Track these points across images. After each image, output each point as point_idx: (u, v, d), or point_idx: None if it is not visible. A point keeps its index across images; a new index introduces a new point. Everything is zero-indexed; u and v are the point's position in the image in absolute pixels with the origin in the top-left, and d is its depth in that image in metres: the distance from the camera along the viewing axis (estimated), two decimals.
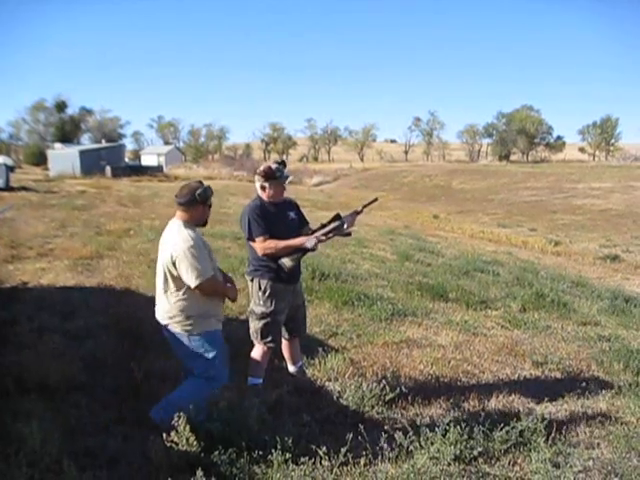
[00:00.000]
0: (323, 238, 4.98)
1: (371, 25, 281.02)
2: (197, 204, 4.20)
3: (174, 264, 4.08)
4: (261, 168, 5.08)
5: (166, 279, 4.15)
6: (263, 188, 5.01)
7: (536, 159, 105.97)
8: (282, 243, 4.89)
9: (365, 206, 5.26)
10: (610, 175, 48.87)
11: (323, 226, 5.02)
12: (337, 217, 5.06)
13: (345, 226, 5.02)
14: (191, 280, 4.10)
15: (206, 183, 4.40)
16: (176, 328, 4.16)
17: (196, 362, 4.25)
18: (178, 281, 4.13)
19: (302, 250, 4.97)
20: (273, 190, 5.01)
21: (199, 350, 4.25)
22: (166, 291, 4.16)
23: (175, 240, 4.09)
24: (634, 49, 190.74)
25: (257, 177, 5.06)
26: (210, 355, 4.30)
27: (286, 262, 4.94)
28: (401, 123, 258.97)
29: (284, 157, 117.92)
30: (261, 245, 4.87)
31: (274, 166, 5.05)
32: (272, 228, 4.90)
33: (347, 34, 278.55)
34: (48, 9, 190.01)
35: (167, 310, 4.16)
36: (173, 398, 4.22)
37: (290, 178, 5.16)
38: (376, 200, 5.54)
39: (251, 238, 4.91)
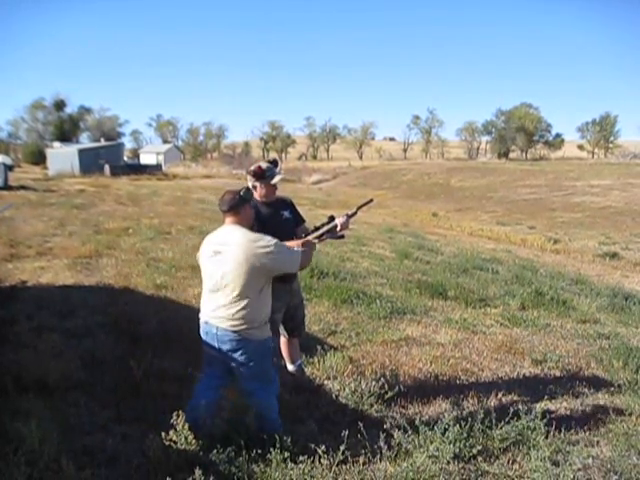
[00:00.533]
0: (315, 241, 4.95)
1: (370, 23, 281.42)
2: (244, 204, 4.21)
3: (264, 264, 4.04)
4: (251, 168, 5.05)
5: (240, 282, 4.04)
6: (254, 188, 4.98)
7: (535, 157, 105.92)
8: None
9: (359, 207, 5.21)
10: (609, 172, 48.87)
11: (316, 229, 4.98)
12: (331, 219, 5.02)
13: (338, 228, 4.97)
14: (292, 264, 4.25)
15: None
16: (244, 334, 4.08)
17: (262, 367, 4.19)
18: (254, 284, 4.07)
19: None
20: (264, 190, 4.98)
21: (261, 355, 4.21)
22: (237, 295, 4.07)
23: (249, 242, 4.04)
24: (633, 46, 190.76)
25: (248, 177, 5.04)
26: (269, 360, 4.31)
27: None
28: (400, 121, 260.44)
29: (283, 155, 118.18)
30: None
31: (264, 165, 5.02)
32: (265, 228, 4.86)
33: (346, 32, 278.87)
34: (46, 7, 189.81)
35: (233, 316, 4.07)
36: (272, 426, 4.14)
37: (280, 177, 5.12)
38: (371, 201, 5.46)
39: None
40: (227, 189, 4.36)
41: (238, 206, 4.17)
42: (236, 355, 4.14)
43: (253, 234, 4.10)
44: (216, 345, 4.16)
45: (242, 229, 4.13)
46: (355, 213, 5.11)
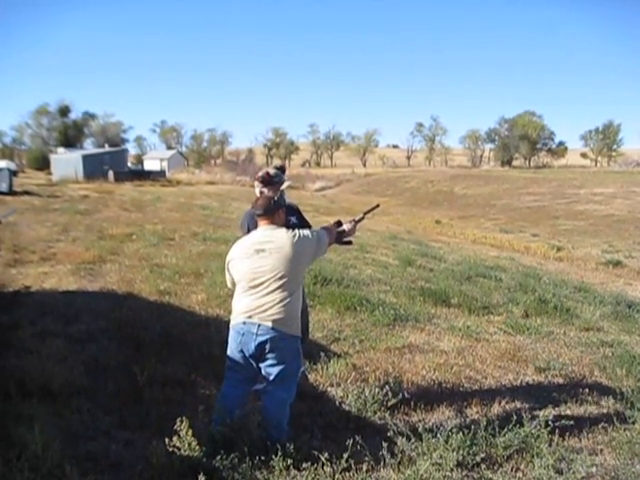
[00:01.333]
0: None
1: (373, 30, 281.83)
2: (278, 208, 4.32)
3: (310, 258, 4.31)
4: (259, 174, 5.08)
5: (285, 281, 4.12)
6: (262, 194, 5.00)
7: (538, 164, 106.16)
8: None
9: (366, 213, 5.20)
10: (612, 180, 48.90)
11: None
12: (338, 224, 5.02)
13: (344, 235, 4.96)
14: (325, 243, 4.41)
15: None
16: (285, 330, 4.14)
17: (290, 366, 4.21)
18: (296, 282, 4.21)
19: None
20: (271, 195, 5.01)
21: (296, 353, 4.30)
22: (280, 293, 4.12)
23: (294, 236, 4.18)
24: (637, 54, 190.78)
25: (256, 182, 5.06)
26: (298, 363, 4.38)
27: None
28: (403, 128, 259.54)
29: (286, 162, 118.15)
30: None
31: (272, 172, 5.05)
32: None
33: (350, 39, 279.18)
34: (50, 12, 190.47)
35: (279, 313, 4.10)
36: (277, 433, 4.13)
37: (288, 183, 5.15)
38: (377, 206, 5.46)
39: None
40: (263, 195, 4.56)
41: (273, 210, 4.28)
42: (272, 354, 4.17)
43: (292, 231, 4.23)
44: (252, 345, 4.15)
45: (279, 228, 4.27)
46: (362, 219, 5.07)
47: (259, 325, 4.10)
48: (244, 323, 4.17)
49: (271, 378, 4.19)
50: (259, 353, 4.16)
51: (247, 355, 4.20)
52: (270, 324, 4.08)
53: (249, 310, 4.16)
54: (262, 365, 4.20)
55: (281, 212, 4.35)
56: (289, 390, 4.25)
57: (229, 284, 4.49)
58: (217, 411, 4.26)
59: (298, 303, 4.23)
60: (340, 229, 4.83)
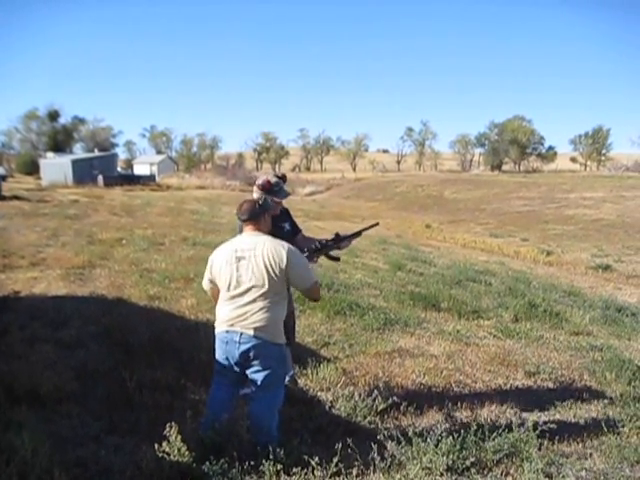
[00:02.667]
0: (315, 260, 5.03)
1: (363, 35, 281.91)
2: (264, 212, 4.29)
3: (287, 267, 4.09)
4: (260, 182, 5.09)
5: (267, 287, 4.09)
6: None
7: (528, 169, 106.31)
8: None
9: (365, 229, 5.37)
10: (602, 185, 49.08)
11: (321, 245, 5.07)
12: (336, 236, 5.12)
13: (341, 245, 5.08)
14: (308, 280, 4.23)
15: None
16: (268, 337, 4.12)
17: (274, 373, 4.19)
18: (278, 289, 4.14)
19: None
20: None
21: (280, 361, 4.27)
22: (262, 301, 4.10)
23: (279, 246, 4.12)
24: (626, 60, 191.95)
25: (255, 189, 5.07)
26: (283, 366, 4.39)
27: None
28: (393, 133, 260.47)
29: (276, 167, 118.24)
30: None
31: (273, 180, 5.07)
32: None
33: (339, 44, 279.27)
34: (39, 17, 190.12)
35: (263, 319, 4.09)
36: (265, 437, 4.11)
37: (289, 195, 5.21)
38: (377, 224, 5.64)
39: None
40: (243, 200, 4.40)
41: (258, 215, 4.25)
42: (256, 361, 4.17)
43: (278, 240, 4.21)
44: (236, 353, 4.16)
45: (263, 234, 4.24)
46: (359, 234, 5.25)
47: (241, 333, 4.11)
48: (227, 332, 4.18)
49: (257, 385, 4.20)
50: (243, 360, 4.16)
51: (232, 362, 4.21)
52: (252, 332, 4.09)
53: (231, 318, 4.17)
54: (248, 372, 4.21)
55: (267, 216, 4.33)
56: (276, 396, 4.25)
57: (205, 286, 4.49)
58: (206, 415, 4.28)
59: (282, 311, 4.22)
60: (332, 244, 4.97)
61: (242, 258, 4.16)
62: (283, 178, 5.18)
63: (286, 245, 4.15)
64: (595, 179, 58.40)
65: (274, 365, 4.17)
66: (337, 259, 5.23)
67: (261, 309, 4.09)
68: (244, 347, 4.12)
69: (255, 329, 4.08)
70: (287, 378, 5.51)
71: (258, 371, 4.17)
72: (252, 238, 4.20)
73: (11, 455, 3.64)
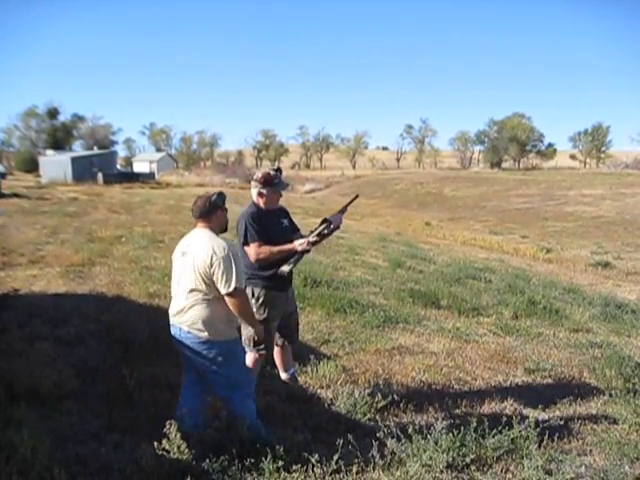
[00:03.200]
0: (314, 239, 5.00)
1: (362, 32, 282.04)
2: (216, 209, 4.24)
3: (211, 269, 4.02)
4: (259, 174, 5.10)
5: (196, 285, 4.08)
6: (260, 194, 5.03)
7: (527, 166, 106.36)
8: (275, 248, 4.89)
9: (347, 204, 5.40)
10: (601, 182, 49.10)
11: (312, 232, 5.06)
12: (324, 221, 5.11)
13: (332, 225, 5.07)
14: (228, 285, 4.04)
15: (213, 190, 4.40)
16: (206, 335, 4.10)
17: (224, 371, 4.18)
18: (210, 287, 4.08)
19: (297, 254, 4.98)
20: (270, 196, 5.04)
21: (228, 358, 4.19)
22: (194, 297, 4.10)
23: (210, 246, 4.06)
24: (626, 57, 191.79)
25: (254, 183, 5.07)
26: (238, 362, 4.32)
27: (285, 268, 4.96)
28: (393, 130, 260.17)
29: (276, 164, 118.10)
30: (256, 250, 4.85)
31: (272, 172, 5.08)
32: (268, 234, 4.90)
33: (338, 42, 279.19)
34: (38, 14, 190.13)
35: (199, 316, 4.09)
36: (246, 414, 4.16)
37: (288, 186, 5.21)
38: (357, 197, 5.72)
39: (246, 243, 4.89)
40: (200, 195, 4.38)
41: (209, 212, 4.22)
42: (200, 359, 4.19)
43: (218, 239, 4.14)
44: (181, 348, 4.23)
45: (209, 232, 4.18)
46: (345, 210, 5.36)
47: (180, 329, 4.16)
48: (172, 326, 4.24)
49: (213, 383, 4.25)
50: (191, 357, 4.21)
51: (183, 358, 4.28)
52: (187, 328, 4.12)
53: (173, 314, 4.24)
54: (200, 369, 4.24)
55: (219, 213, 4.26)
56: (237, 392, 4.22)
57: None
58: (177, 409, 4.32)
59: (220, 309, 4.12)
60: (324, 225, 5.07)
61: (185, 254, 4.20)
62: (279, 171, 5.19)
63: (218, 246, 4.06)
64: (594, 176, 58.41)
65: (220, 362, 4.15)
66: (337, 227, 5.23)
67: (195, 306, 4.11)
68: (183, 342, 4.18)
69: (189, 325, 4.12)
70: (287, 375, 5.53)
71: (208, 369, 4.20)
72: (196, 235, 4.23)
73: (11, 453, 3.64)
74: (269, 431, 4.23)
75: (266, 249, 4.86)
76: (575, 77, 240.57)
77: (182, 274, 4.20)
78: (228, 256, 4.03)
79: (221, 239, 4.17)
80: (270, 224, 4.99)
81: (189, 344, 4.16)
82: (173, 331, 4.24)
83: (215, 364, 4.16)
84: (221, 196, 4.32)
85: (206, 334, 4.10)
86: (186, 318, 4.13)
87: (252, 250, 4.87)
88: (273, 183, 5.03)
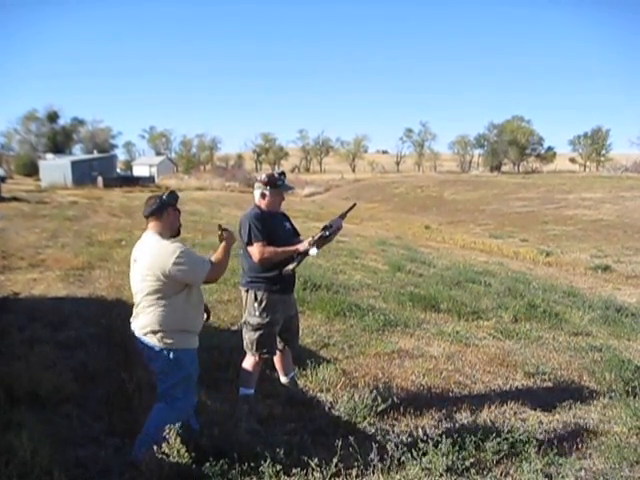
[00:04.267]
0: (315, 238, 4.99)
1: (362, 36, 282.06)
2: (167, 208, 4.15)
3: (168, 273, 3.94)
4: (263, 175, 5.10)
5: (147, 291, 4.03)
6: (263, 195, 5.03)
7: (527, 170, 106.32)
8: (280, 249, 4.90)
9: (347, 212, 5.38)
10: (601, 185, 49.07)
11: (313, 237, 5.06)
12: (325, 228, 5.12)
13: (333, 227, 5.09)
14: (200, 275, 4.05)
15: (174, 191, 4.33)
16: (154, 341, 4.05)
17: (167, 378, 4.12)
18: (164, 292, 4.02)
19: (300, 255, 4.98)
20: (273, 198, 5.04)
21: (172, 367, 4.10)
22: (148, 303, 4.05)
23: (160, 251, 3.98)
24: (625, 60, 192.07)
25: (258, 184, 5.07)
26: (182, 374, 4.15)
27: (289, 267, 4.96)
28: (393, 134, 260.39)
29: (276, 168, 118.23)
30: (260, 249, 4.84)
31: (277, 174, 5.10)
32: (271, 237, 4.90)
33: (339, 44, 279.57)
34: (39, 18, 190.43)
35: (147, 322, 4.05)
36: (144, 437, 4.04)
37: (293, 189, 5.22)
38: (354, 205, 5.64)
39: (250, 242, 4.88)
40: (151, 194, 4.31)
41: (159, 210, 4.13)
42: (152, 364, 4.20)
43: (165, 242, 4.05)
44: (144, 354, 4.22)
45: (155, 236, 4.09)
46: (345, 215, 5.34)
47: (135, 334, 4.16)
48: (132, 332, 4.24)
49: (158, 388, 4.21)
50: (147, 361, 4.23)
51: (147, 363, 4.28)
52: (140, 333, 4.11)
53: (131, 318, 4.23)
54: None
55: (170, 212, 4.18)
56: (172, 402, 4.14)
57: None
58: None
59: (171, 314, 4.05)
60: (324, 230, 5.01)
61: (135, 260, 4.17)
62: (283, 174, 5.20)
63: (170, 248, 3.99)
64: (594, 180, 58.40)
65: (166, 370, 4.12)
66: (338, 228, 5.24)
67: (145, 312, 4.08)
68: (139, 347, 4.18)
69: (140, 330, 4.10)
70: (287, 379, 5.53)
71: (156, 375, 4.21)
72: (145, 238, 4.15)
73: (11, 456, 3.65)
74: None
75: (271, 249, 4.86)
76: (575, 80, 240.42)
77: (134, 280, 4.17)
78: (182, 253, 3.98)
79: (169, 241, 4.08)
80: (273, 227, 4.99)
81: (142, 348, 4.16)
82: (134, 335, 4.22)
83: (162, 371, 4.13)
84: (173, 195, 4.26)
85: (155, 340, 4.05)
86: (138, 323, 4.13)
87: (256, 249, 4.86)
88: (277, 185, 5.04)
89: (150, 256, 3.99)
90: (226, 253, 4.28)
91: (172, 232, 4.22)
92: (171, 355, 4.07)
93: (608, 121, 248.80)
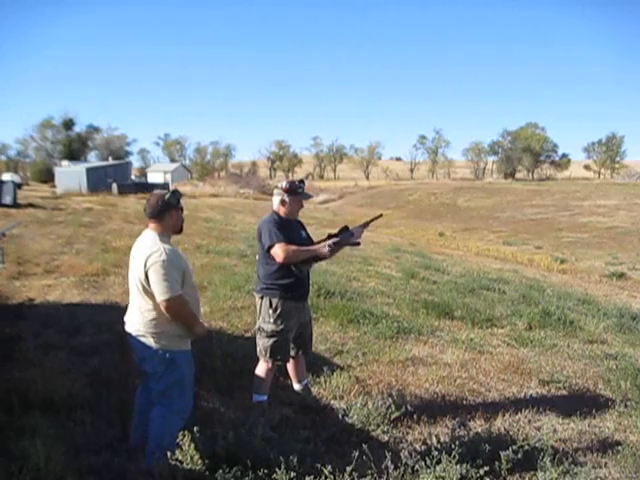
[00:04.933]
0: (332, 244, 4.99)
1: (376, 42, 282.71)
2: (169, 209, 4.09)
3: (146, 275, 3.94)
4: (284, 183, 5.12)
5: (140, 291, 4.03)
6: (283, 202, 5.05)
7: (541, 177, 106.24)
8: (303, 247, 4.91)
9: (371, 221, 5.42)
10: (615, 192, 48.91)
11: (330, 236, 5.07)
12: (345, 229, 5.14)
13: (354, 235, 5.10)
14: (158, 295, 3.93)
15: (171, 192, 4.26)
16: (150, 341, 4.04)
17: (161, 379, 4.12)
18: (149, 293, 4.00)
19: (315, 258, 5.03)
20: (292, 205, 5.07)
21: (167, 368, 4.09)
22: (141, 305, 4.05)
23: (150, 252, 3.96)
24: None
25: (278, 191, 5.09)
26: (176, 375, 4.14)
27: (304, 267, 4.99)
28: (406, 141, 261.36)
29: (290, 175, 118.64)
30: (284, 248, 4.81)
31: (297, 182, 5.12)
32: (289, 242, 4.91)
33: (353, 52, 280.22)
34: (54, 23, 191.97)
35: (140, 323, 4.05)
36: (153, 444, 4.06)
37: (312, 197, 5.24)
38: (381, 216, 5.71)
39: (273, 244, 4.86)
40: (153, 192, 4.24)
41: (162, 212, 4.08)
42: (145, 365, 4.18)
43: (160, 245, 4.00)
44: (133, 351, 4.22)
45: (154, 236, 4.07)
46: (367, 224, 5.34)
47: (129, 334, 4.16)
48: (125, 331, 4.23)
49: (152, 390, 4.20)
50: (139, 361, 4.21)
51: (138, 363, 4.27)
52: (134, 333, 4.10)
53: (126, 316, 4.24)
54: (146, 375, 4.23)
55: (172, 213, 4.11)
56: (170, 405, 4.13)
57: None
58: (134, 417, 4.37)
59: (164, 316, 4.00)
60: (345, 233, 5.10)
61: (133, 257, 4.18)
62: (303, 182, 5.23)
63: (155, 252, 3.94)
64: (609, 187, 58.23)
65: (160, 371, 4.09)
66: (357, 244, 5.25)
67: (139, 311, 4.07)
68: (133, 347, 4.18)
69: (135, 330, 4.09)
70: (300, 386, 5.52)
71: (150, 376, 4.18)
72: (144, 237, 4.15)
73: (25, 462, 3.66)
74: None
75: (294, 247, 4.84)
76: (589, 88, 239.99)
77: (131, 277, 4.17)
78: (162, 264, 3.90)
79: (165, 245, 4.02)
80: (290, 233, 5.00)
81: (135, 348, 4.15)
82: (128, 335, 4.21)
83: (156, 372, 4.12)
84: (175, 195, 4.16)
85: (151, 340, 4.04)
86: (133, 322, 4.12)
87: (280, 249, 4.83)
88: (297, 192, 5.06)
89: (144, 256, 3.99)
90: (187, 323, 4.17)
91: (175, 230, 4.21)
92: (167, 356, 4.08)
93: (622, 128, 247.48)
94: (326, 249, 4.93)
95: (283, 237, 4.87)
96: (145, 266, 3.93)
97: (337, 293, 9.70)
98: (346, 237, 5.10)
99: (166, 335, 4.06)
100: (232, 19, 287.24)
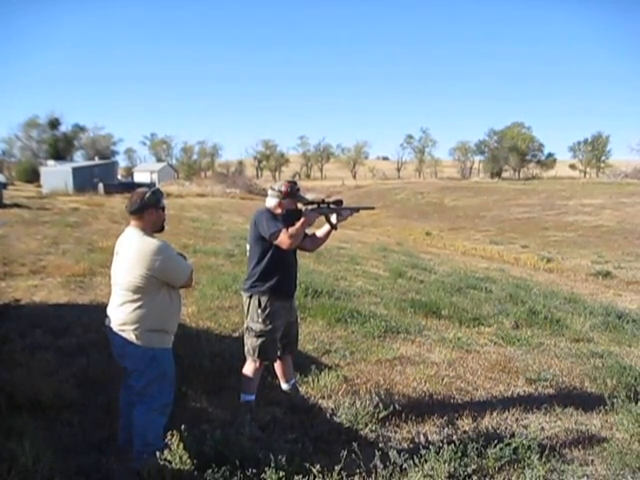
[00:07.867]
0: (314, 206, 5.07)
1: (362, 41, 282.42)
2: (149, 208, 4.12)
3: (150, 272, 3.96)
4: (281, 186, 5.11)
5: (127, 286, 4.03)
6: (280, 204, 5.05)
7: (527, 176, 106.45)
8: (297, 224, 4.85)
9: (363, 208, 5.51)
10: (601, 192, 49.17)
11: (324, 201, 5.16)
12: (339, 202, 5.29)
13: (342, 214, 5.22)
14: (181, 279, 4.16)
15: (157, 192, 4.26)
16: (132, 337, 4.03)
17: (142, 376, 4.11)
18: (144, 289, 4.02)
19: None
20: (288, 207, 5.09)
21: (148, 364, 4.09)
22: (125, 301, 4.05)
23: (144, 247, 4.00)
24: (625, 67, 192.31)
25: (276, 193, 5.07)
26: (157, 371, 4.14)
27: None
28: (393, 140, 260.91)
29: (276, 174, 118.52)
30: (286, 233, 4.82)
31: (294, 185, 5.15)
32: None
33: (339, 51, 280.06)
34: (39, 23, 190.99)
35: (126, 318, 4.03)
36: (139, 442, 4.07)
37: (305, 199, 5.25)
38: (373, 208, 5.74)
39: (275, 232, 4.85)
40: (135, 190, 4.30)
41: (141, 210, 4.12)
42: (125, 361, 4.18)
43: (149, 239, 4.06)
44: (113, 349, 4.21)
45: (139, 232, 4.11)
46: (358, 210, 5.44)
47: (111, 329, 4.14)
48: (106, 325, 4.22)
49: (132, 387, 4.20)
50: (118, 357, 4.20)
51: (116, 358, 4.26)
52: (116, 328, 4.10)
53: (108, 312, 4.22)
54: (126, 372, 4.23)
55: (154, 212, 4.15)
56: (150, 402, 4.13)
57: None
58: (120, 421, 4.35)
59: (149, 311, 4.05)
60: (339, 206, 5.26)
61: (117, 253, 4.20)
62: (295, 183, 5.24)
63: (154, 245, 4.02)
64: (594, 186, 58.48)
65: (141, 368, 4.10)
66: (334, 227, 5.27)
67: (123, 307, 4.07)
68: (113, 342, 4.17)
69: (118, 326, 4.09)
70: (288, 386, 5.52)
71: (130, 373, 4.18)
72: (128, 233, 4.18)
73: (12, 463, 3.65)
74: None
75: (291, 229, 4.82)
76: (575, 87, 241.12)
77: (115, 273, 4.18)
78: (166, 253, 4.04)
79: (153, 238, 4.10)
80: (284, 224, 5.00)
81: (116, 343, 4.14)
82: (108, 330, 4.20)
83: (137, 369, 4.12)
84: (156, 194, 4.20)
85: (133, 336, 4.04)
86: (116, 317, 4.11)
87: (284, 235, 4.83)
88: (295, 195, 5.09)
89: (134, 252, 4.01)
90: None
91: (155, 229, 4.22)
92: (149, 353, 4.08)
93: (608, 127, 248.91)
94: (310, 215, 4.98)
95: (281, 224, 4.89)
96: (148, 264, 3.97)
97: (325, 292, 9.70)
98: (330, 210, 5.21)
99: (150, 332, 4.07)
100: (218, 18, 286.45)
